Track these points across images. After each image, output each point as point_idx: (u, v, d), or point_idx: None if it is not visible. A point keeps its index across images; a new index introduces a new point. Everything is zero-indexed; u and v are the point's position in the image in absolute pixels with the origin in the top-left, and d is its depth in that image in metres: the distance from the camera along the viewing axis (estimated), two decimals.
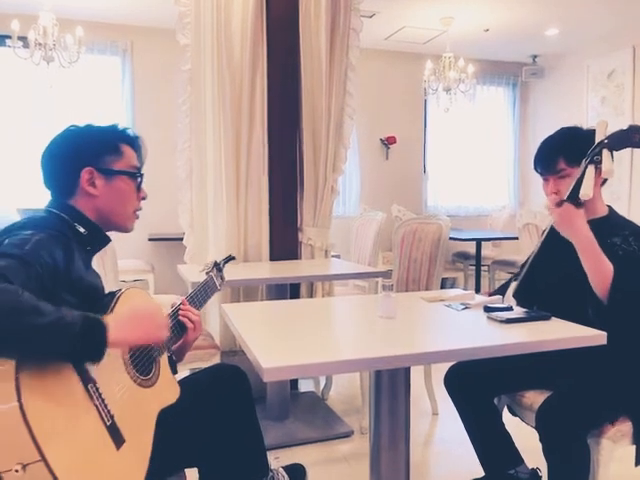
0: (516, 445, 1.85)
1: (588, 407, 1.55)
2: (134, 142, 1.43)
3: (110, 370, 1.13)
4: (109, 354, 1.06)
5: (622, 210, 1.76)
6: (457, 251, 5.62)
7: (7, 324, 0.92)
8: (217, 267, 1.75)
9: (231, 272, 1.84)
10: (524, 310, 1.59)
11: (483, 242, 5.13)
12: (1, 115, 4.81)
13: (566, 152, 1.68)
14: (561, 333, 1.40)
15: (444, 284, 5.31)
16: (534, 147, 1.80)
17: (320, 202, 3.07)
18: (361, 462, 2.29)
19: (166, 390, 1.33)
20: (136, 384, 1.22)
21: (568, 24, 5.25)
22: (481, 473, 1.88)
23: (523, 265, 1.79)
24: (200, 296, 1.60)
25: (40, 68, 4.08)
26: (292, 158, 3.02)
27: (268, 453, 1.66)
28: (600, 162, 1.56)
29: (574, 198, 1.58)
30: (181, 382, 1.42)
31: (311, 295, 3.07)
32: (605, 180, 1.68)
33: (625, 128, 1.56)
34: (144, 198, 1.45)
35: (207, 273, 1.71)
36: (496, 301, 1.68)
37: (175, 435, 1.30)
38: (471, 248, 5.28)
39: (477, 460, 1.87)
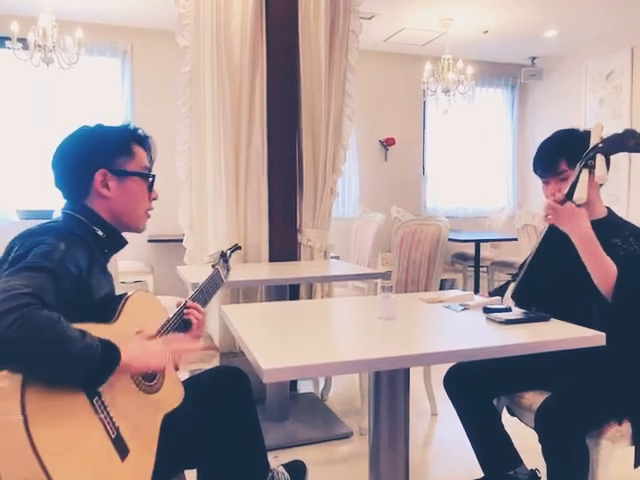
0: (515, 446, 1.85)
1: (587, 408, 1.55)
2: (145, 142, 1.44)
3: (115, 379, 1.13)
4: None
5: (621, 211, 1.76)
6: (456, 252, 5.63)
7: (42, 353, 0.95)
8: (223, 258, 1.74)
9: (231, 273, 1.84)
10: (523, 311, 1.59)
11: (482, 243, 5.14)
12: (1, 117, 4.81)
13: (567, 154, 1.68)
14: (560, 334, 1.40)
15: (443, 285, 5.31)
16: (533, 148, 1.80)
17: (319, 203, 3.07)
18: (360, 463, 2.29)
19: (171, 394, 1.33)
20: (141, 391, 1.22)
21: (567, 25, 5.26)
22: (480, 474, 1.88)
23: (521, 266, 1.80)
24: (206, 292, 1.59)
25: (40, 70, 4.07)
26: (291, 159, 3.02)
27: (267, 453, 1.66)
28: (594, 167, 1.56)
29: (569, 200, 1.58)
30: (183, 384, 1.43)
31: (310, 296, 3.07)
32: (602, 183, 1.69)
33: (620, 132, 1.56)
34: (155, 198, 1.45)
35: (213, 266, 1.70)
36: (495, 302, 1.68)
37: (177, 437, 1.30)
38: (470, 249, 5.28)
39: (476, 461, 1.87)
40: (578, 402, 1.55)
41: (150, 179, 1.43)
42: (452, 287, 5.56)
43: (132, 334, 1.23)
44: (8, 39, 3.94)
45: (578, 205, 1.58)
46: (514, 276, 1.83)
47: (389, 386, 1.47)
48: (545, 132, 1.82)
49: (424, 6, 4.73)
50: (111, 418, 1.07)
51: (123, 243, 1.43)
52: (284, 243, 3.02)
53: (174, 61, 3.15)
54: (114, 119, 4.89)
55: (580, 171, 1.58)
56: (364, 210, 5.12)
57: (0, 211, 4.65)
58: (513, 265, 4.73)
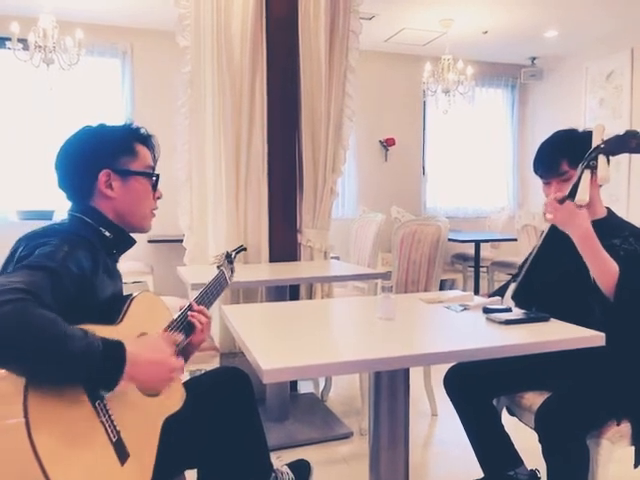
0: (515, 446, 1.85)
1: (587, 408, 1.55)
2: (148, 141, 1.43)
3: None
4: None
5: (621, 212, 1.76)
6: (456, 252, 5.63)
7: (39, 349, 0.93)
8: (228, 259, 1.73)
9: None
10: (523, 311, 1.59)
11: (482, 243, 5.14)
12: (1, 117, 4.81)
13: (569, 154, 1.67)
14: (560, 334, 1.40)
15: (443, 285, 5.31)
16: (533, 149, 1.80)
17: (319, 203, 3.07)
18: (360, 463, 2.29)
19: (172, 397, 1.32)
20: (144, 394, 1.21)
21: (567, 26, 5.26)
22: (480, 474, 1.88)
23: (521, 266, 1.80)
24: (211, 293, 1.58)
25: (40, 70, 4.08)
26: (291, 160, 3.02)
27: (270, 454, 1.66)
28: (596, 167, 1.55)
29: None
30: (184, 385, 1.42)
31: (310, 297, 3.08)
32: (602, 184, 1.68)
33: (622, 133, 1.55)
34: (159, 197, 1.45)
35: (219, 267, 1.70)
36: (495, 302, 1.68)
37: (178, 438, 1.30)
38: (470, 249, 5.29)
39: (476, 461, 1.87)
40: (578, 402, 1.55)
41: (154, 178, 1.42)
42: (452, 287, 5.55)
43: (135, 336, 1.22)
44: (8, 40, 3.95)
45: (580, 207, 1.57)
46: (514, 276, 1.83)
47: (389, 386, 1.47)
48: (545, 132, 1.82)
49: (424, 6, 4.73)
50: (112, 422, 1.07)
51: (131, 242, 1.42)
52: (284, 243, 3.02)
53: (174, 62, 3.15)
54: (114, 120, 4.89)
55: (582, 172, 1.57)
56: (364, 210, 5.13)
57: (0, 211, 4.66)
58: (513, 265, 4.73)
